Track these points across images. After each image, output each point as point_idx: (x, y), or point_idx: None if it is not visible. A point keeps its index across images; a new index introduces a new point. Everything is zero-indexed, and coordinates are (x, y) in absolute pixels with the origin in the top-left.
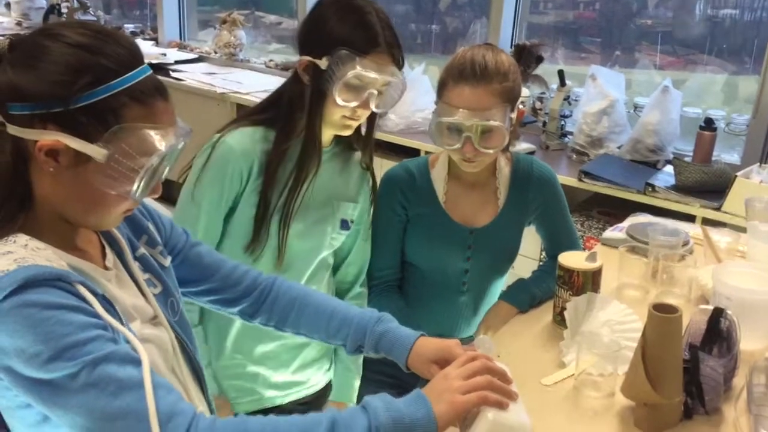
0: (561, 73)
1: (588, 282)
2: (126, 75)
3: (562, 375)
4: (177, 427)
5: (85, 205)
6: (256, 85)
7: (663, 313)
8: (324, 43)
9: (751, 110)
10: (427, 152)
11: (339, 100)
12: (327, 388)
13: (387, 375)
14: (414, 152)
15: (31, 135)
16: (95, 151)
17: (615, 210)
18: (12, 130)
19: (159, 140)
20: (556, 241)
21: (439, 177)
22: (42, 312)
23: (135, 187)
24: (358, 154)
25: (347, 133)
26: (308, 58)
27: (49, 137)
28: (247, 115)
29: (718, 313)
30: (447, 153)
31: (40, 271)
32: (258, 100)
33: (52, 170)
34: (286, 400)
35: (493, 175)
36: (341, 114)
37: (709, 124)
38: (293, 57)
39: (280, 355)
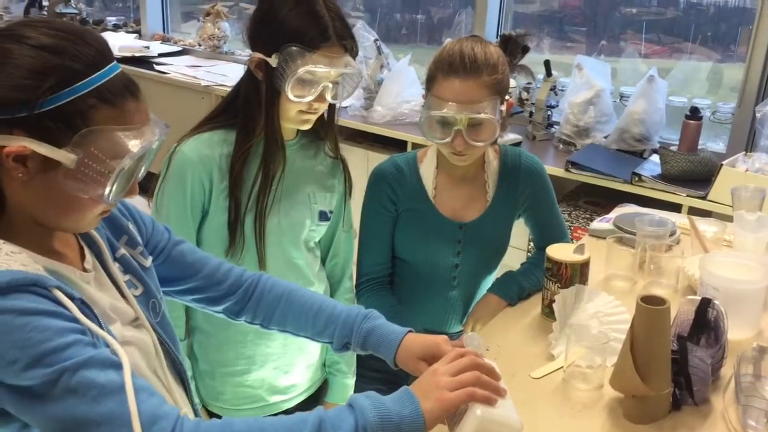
0: (547, 64)
1: (576, 274)
2: (92, 76)
3: (551, 368)
4: (161, 430)
5: (58, 210)
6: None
7: (651, 304)
8: (273, 40)
9: (735, 98)
10: (414, 144)
11: (292, 97)
12: (323, 389)
13: (380, 371)
14: (400, 144)
15: None
16: (64, 156)
17: (602, 200)
18: None
19: (131, 142)
20: (545, 233)
21: (427, 171)
22: (18, 318)
23: (107, 190)
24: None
25: (306, 127)
26: (259, 54)
27: (15, 143)
28: (206, 119)
29: (705, 304)
30: (435, 147)
31: (14, 277)
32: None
33: (21, 176)
34: (293, 404)
35: (481, 169)
36: (297, 109)
37: (694, 113)
38: None
39: (284, 356)
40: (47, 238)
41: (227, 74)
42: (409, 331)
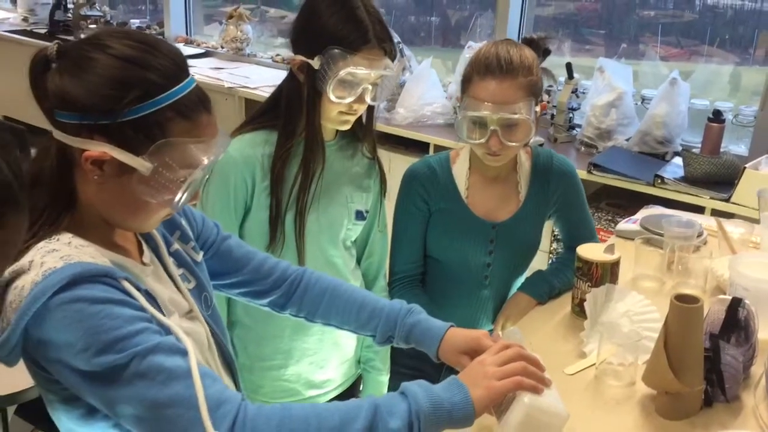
0: (569, 66)
1: (606, 273)
2: (172, 89)
3: (584, 365)
4: (226, 414)
5: (127, 211)
6: (264, 79)
7: (684, 303)
8: (315, 42)
9: (755, 101)
10: (437, 146)
11: (333, 98)
12: (356, 385)
13: (413, 369)
14: (423, 146)
15: (78, 144)
16: (140, 164)
17: (623, 202)
18: (58, 136)
19: (202, 154)
20: (575, 233)
21: (460, 172)
22: (91, 307)
23: (178, 198)
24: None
25: (346, 127)
26: (301, 57)
27: (96, 148)
28: (249, 120)
29: (736, 303)
30: (468, 148)
31: (87, 268)
32: (266, 95)
33: (97, 178)
34: (327, 398)
35: (514, 170)
36: (338, 110)
37: (717, 116)
38: None
39: (320, 352)
40: (110, 233)
41: (250, 76)
42: (451, 326)
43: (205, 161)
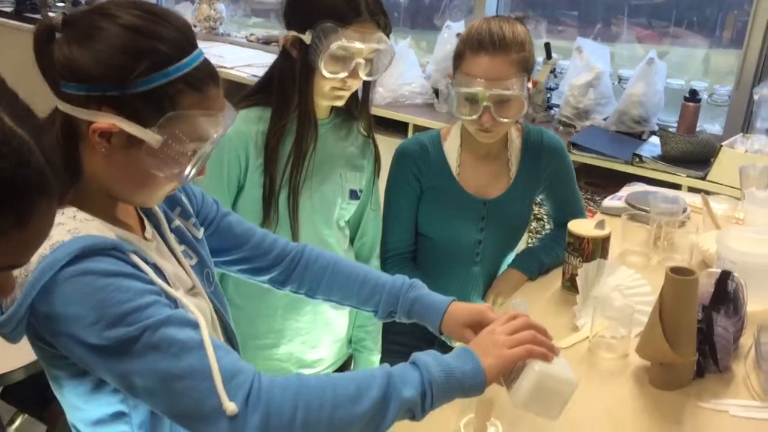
0: (548, 46)
1: (598, 249)
2: (183, 61)
3: (577, 338)
4: (240, 384)
5: (133, 185)
6: (239, 59)
7: (680, 275)
8: (307, 17)
9: (728, 81)
10: (416, 126)
11: (326, 73)
12: (347, 364)
13: (404, 345)
14: (401, 126)
15: (86, 115)
16: (150, 137)
17: (601, 181)
18: (64, 108)
19: (211, 127)
20: (565, 209)
21: (452, 149)
22: (100, 279)
23: (187, 171)
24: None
25: (340, 103)
26: (293, 32)
27: (104, 120)
28: (242, 98)
29: (725, 276)
30: (459, 125)
31: (95, 241)
32: (242, 75)
33: (104, 151)
34: None
35: (505, 147)
36: (331, 86)
37: (693, 95)
38: (274, 30)
39: (312, 331)
40: (113, 207)
41: (224, 56)
42: (453, 300)
43: (215, 134)
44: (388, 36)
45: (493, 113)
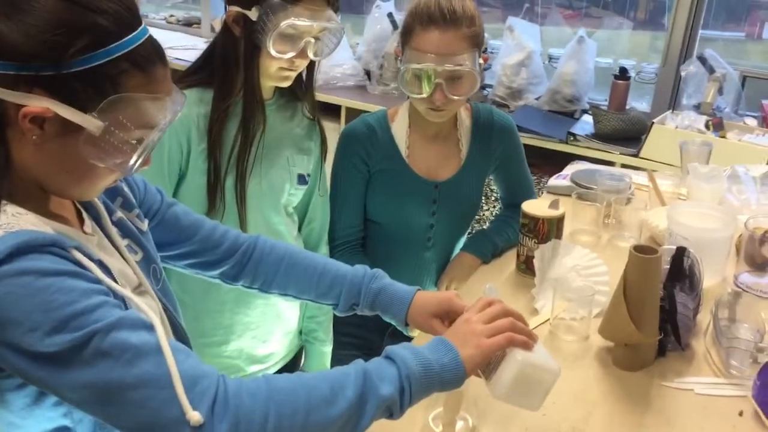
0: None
1: (553, 229)
2: (127, 37)
3: (538, 321)
4: (204, 390)
5: (69, 177)
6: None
7: (642, 254)
8: None
9: (651, 59)
10: (348, 108)
11: (274, 52)
12: (298, 357)
13: (356, 337)
14: (334, 108)
15: (14, 98)
16: (89, 122)
17: (537, 160)
18: None
19: (159, 111)
20: (516, 190)
21: (400, 130)
22: (39, 280)
23: (132, 161)
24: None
25: (286, 84)
26: (236, 8)
27: (36, 103)
28: (179, 78)
29: (681, 252)
30: (407, 105)
31: (31, 237)
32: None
33: (35, 138)
34: (271, 372)
35: (454, 127)
36: (278, 66)
37: (623, 73)
38: (195, 12)
39: (262, 325)
40: (46, 200)
41: None
42: (418, 290)
43: (163, 120)
44: (336, 13)
45: (445, 90)
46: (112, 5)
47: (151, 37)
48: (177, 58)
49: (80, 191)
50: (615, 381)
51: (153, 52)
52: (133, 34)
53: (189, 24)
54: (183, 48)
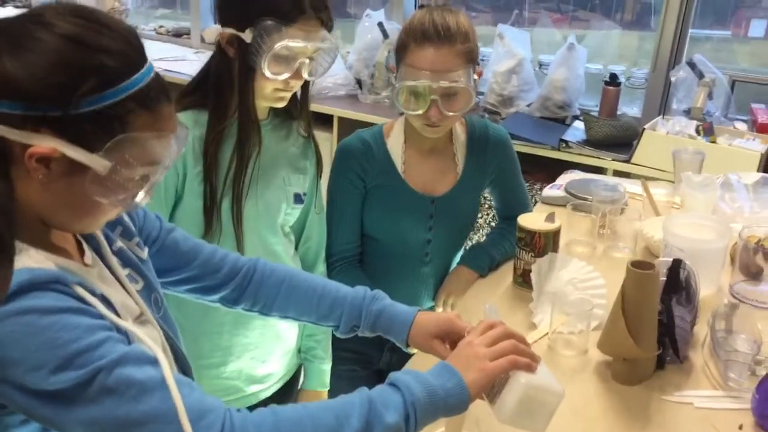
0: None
1: (549, 242)
2: (133, 77)
3: (536, 335)
4: (211, 424)
5: (73, 213)
6: (149, 53)
7: (640, 269)
8: (245, 13)
9: (640, 64)
10: (340, 118)
11: (269, 74)
12: (297, 375)
13: (355, 352)
14: (326, 118)
15: (21, 137)
16: (96, 162)
17: (528, 167)
18: None
19: (164, 149)
20: (511, 203)
21: (395, 146)
22: (43, 318)
23: (139, 198)
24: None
25: (281, 104)
26: (231, 30)
27: (43, 143)
28: (175, 100)
29: (677, 264)
30: (402, 121)
31: (34, 275)
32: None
33: (41, 177)
34: (270, 392)
35: (450, 141)
36: (273, 87)
37: (613, 79)
38: (184, 23)
39: (261, 346)
40: (47, 233)
41: None
42: (419, 310)
43: (168, 159)
44: (329, 32)
45: (441, 107)
46: (118, 45)
47: (156, 75)
48: (167, 70)
49: (83, 226)
50: (614, 396)
51: (159, 90)
52: (140, 72)
53: (179, 35)
54: (173, 59)
